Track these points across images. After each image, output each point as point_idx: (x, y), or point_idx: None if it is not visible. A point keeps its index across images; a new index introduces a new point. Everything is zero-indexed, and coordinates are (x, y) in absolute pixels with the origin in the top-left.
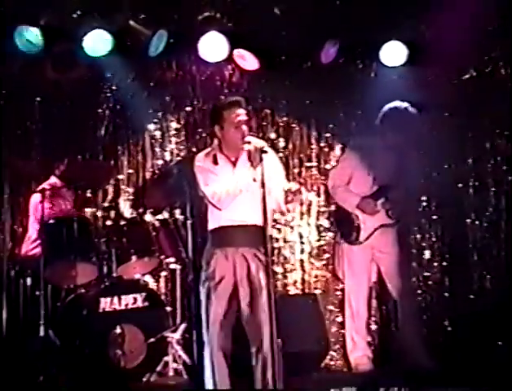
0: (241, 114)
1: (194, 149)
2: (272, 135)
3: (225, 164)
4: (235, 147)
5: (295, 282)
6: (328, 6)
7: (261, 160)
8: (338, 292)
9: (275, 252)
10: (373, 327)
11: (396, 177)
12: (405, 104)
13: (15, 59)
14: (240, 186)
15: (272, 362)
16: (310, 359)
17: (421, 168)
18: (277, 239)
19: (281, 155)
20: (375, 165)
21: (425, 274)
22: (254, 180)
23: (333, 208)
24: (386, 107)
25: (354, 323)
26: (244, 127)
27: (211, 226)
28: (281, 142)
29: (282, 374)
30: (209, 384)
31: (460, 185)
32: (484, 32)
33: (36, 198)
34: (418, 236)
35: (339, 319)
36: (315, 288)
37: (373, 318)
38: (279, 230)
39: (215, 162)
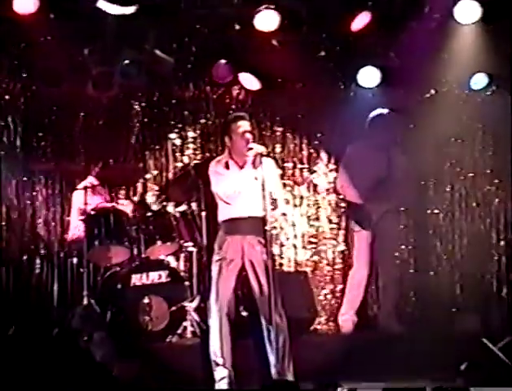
0: (245, 125)
1: (208, 154)
2: (271, 143)
3: (234, 167)
4: (241, 153)
5: (289, 261)
6: (316, 40)
7: (261, 162)
8: (327, 271)
9: (274, 237)
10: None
11: (387, 170)
12: (386, 110)
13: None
14: (245, 185)
15: (277, 326)
16: (301, 324)
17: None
18: (275, 227)
19: (278, 158)
20: (369, 163)
21: (395, 254)
22: (256, 179)
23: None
24: (372, 113)
25: (350, 295)
26: (248, 135)
27: (222, 217)
28: (278, 148)
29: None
30: (214, 342)
31: (422, 182)
32: (441, 60)
33: (78, 194)
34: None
35: (325, 292)
36: (306, 266)
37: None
38: (276, 220)
39: (227, 167)
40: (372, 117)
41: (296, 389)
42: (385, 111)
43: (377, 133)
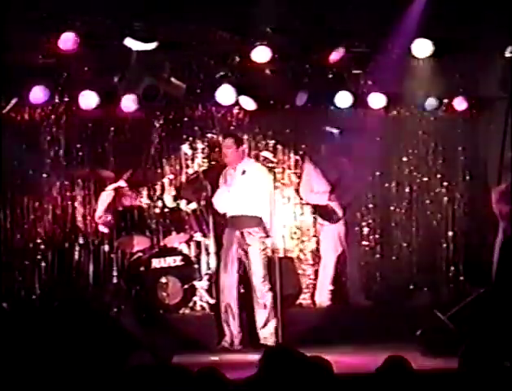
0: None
1: (213, 162)
2: (266, 153)
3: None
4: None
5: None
6: (300, 70)
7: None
8: (310, 257)
9: (267, 230)
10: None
11: (343, 178)
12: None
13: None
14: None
15: (273, 299)
16: (288, 299)
17: (362, 172)
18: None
19: (271, 165)
20: (339, 171)
21: (364, 243)
22: (244, 172)
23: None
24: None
25: (324, 275)
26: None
27: (228, 211)
28: (272, 158)
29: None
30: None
31: (386, 184)
32: (401, 86)
33: (108, 194)
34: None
35: (308, 273)
36: (292, 253)
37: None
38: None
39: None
40: (347, 133)
41: (292, 355)
42: (355, 127)
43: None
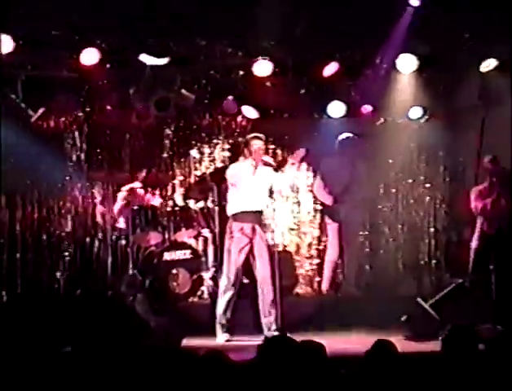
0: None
1: (218, 166)
2: (266, 157)
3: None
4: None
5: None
6: (298, 82)
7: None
8: (306, 251)
9: (268, 226)
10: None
11: (349, 179)
12: (351, 134)
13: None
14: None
15: (273, 289)
16: (286, 289)
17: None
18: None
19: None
20: (336, 174)
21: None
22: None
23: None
24: (341, 136)
25: (329, 265)
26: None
27: (233, 211)
28: (272, 162)
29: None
30: (222, 300)
31: (374, 186)
32: (389, 98)
33: (123, 194)
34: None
35: (305, 266)
36: (290, 247)
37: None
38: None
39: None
40: (341, 139)
41: (291, 343)
42: (350, 135)
43: (343, 150)
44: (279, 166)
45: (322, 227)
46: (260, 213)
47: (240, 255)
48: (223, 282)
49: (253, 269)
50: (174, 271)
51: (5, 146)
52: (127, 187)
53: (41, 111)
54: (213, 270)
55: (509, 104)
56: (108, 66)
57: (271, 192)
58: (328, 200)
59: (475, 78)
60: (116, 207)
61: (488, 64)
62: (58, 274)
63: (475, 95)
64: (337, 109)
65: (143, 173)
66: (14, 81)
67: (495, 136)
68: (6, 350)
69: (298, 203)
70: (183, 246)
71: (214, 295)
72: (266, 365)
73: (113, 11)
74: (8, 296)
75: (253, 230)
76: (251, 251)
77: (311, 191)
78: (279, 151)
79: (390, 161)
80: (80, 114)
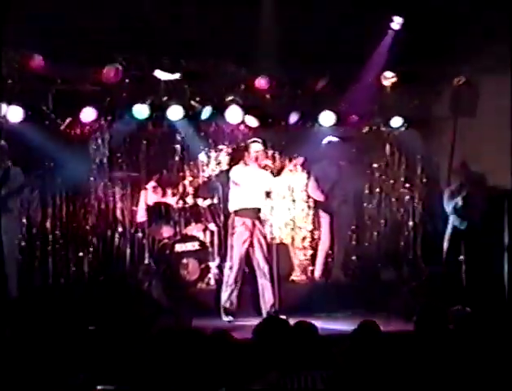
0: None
1: (223, 168)
2: (266, 161)
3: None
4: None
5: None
6: (293, 95)
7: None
8: (300, 243)
9: (267, 221)
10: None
11: (338, 177)
12: (335, 138)
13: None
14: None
15: (271, 276)
16: (283, 276)
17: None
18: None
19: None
20: (325, 175)
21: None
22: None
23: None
24: (325, 139)
25: (322, 254)
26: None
27: (236, 207)
28: (271, 164)
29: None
30: (226, 287)
31: (360, 186)
32: (373, 108)
33: (144, 192)
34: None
35: (302, 256)
36: (286, 240)
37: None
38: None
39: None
40: (326, 142)
41: (285, 324)
42: (334, 138)
43: (329, 152)
44: (277, 170)
45: (315, 222)
46: (259, 209)
47: (242, 246)
48: (227, 270)
49: (253, 259)
50: (185, 261)
51: (38, 151)
52: (145, 187)
53: (68, 120)
54: (218, 259)
55: (475, 114)
56: (127, 81)
57: (268, 192)
58: (321, 198)
59: (447, 92)
60: (141, 205)
61: (458, 80)
62: (84, 262)
63: (447, 107)
64: (327, 118)
65: (158, 175)
66: (45, 94)
67: (465, 142)
68: (40, 327)
69: (294, 201)
70: (193, 238)
71: (219, 282)
72: (263, 343)
73: (132, 33)
74: (41, 282)
75: (253, 224)
76: (251, 243)
77: (306, 190)
78: (277, 155)
79: (375, 165)
80: (102, 123)
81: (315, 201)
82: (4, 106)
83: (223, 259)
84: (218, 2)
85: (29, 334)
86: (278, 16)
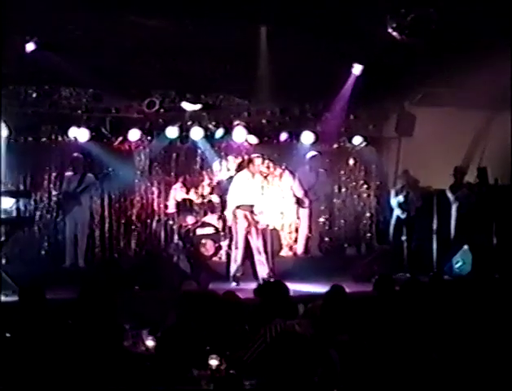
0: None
1: (232, 174)
2: (262, 168)
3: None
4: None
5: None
6: (282, 121)
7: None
8: (288, 227)
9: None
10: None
11: (315, 180)
12: (316, 153)
13: None
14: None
15: (265, 253)
16: (274, 252)
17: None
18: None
19: (266, 175)
20: (306, 178)
21: (320, 220)
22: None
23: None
24: (309, 154)
25: (301, 236)
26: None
27: (238, 203)
28: (266, 171)
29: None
30: (233, 262)
31: (331, 187)
32: (340, 130)
33: (173, 191)
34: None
35: (288, 238)
36: (277, 226)
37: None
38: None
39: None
40: (310, 156)
41: (281, 286)
42: (315, 153)
43: (311, 162)
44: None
45: (298, 213)
46: (253, 205)
47: (244, 232)
48: (234, 250)
49: (251, 241)
50: (203, 241)
51: (99, 161)
52: (174, 186)
53: (120, 139)
54: (228, 240)
55: (412, 134)
56: (161, 110)
57: (264, 191)
58: (301, 195)
59: (393, 119)
60: (171, 201)
61: (402, 111)
62: (131, 242)
63: (393, 130)
64: (308, 137)
65: (183, 177)
66: (104, 120)
67: (406, 156)
68: (103, 288)
69: (283, 197)
70: (209, 225)
71: (228, 257)
72: (260, 301)
73: (165, 76)
74: (101, 256)
75: (252, 215)
76: (250, 229)
77: (291, 189)
78: (271, 165)
79: (342, 172)
80: (144, 141)
81: (298, 198)
82: (75, 129)
83: (231, 240)
84: (227, 57)
85: (97, 294)
86: (272, 63)
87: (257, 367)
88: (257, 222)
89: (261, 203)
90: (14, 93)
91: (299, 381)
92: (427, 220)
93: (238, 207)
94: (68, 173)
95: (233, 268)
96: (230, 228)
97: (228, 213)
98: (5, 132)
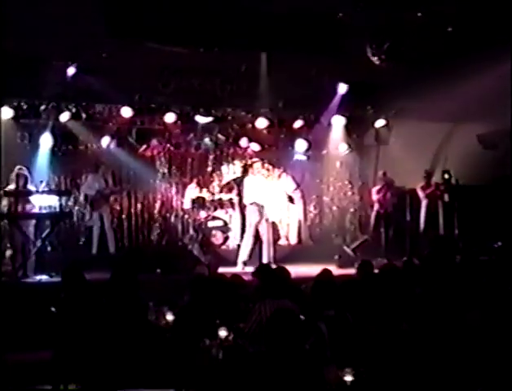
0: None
1: (238, 176)
2: (263, 171)
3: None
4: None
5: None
6: (280, 131)
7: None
8: (285, 221)
9: (265, 209)
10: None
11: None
12: (304, 157)
13: None
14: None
15: (268, 243)
16: (274, 240)
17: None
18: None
19: (266, 176)
20: (298, 178)
21: (311, 214)
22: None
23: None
24: (295, 157)
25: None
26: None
27: (249, 201)
28: (266, 173)
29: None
30: (243, 249)
31: (321, 186)
32: (329, 139)
33: (189, 189)
34: (313, 204)
35: (284, 229)
36: (275, 220)
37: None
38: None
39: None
40: (295, 159)
41: (270, 269)
42: (303, 157)
43: (298, 165)
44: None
45: (292, 208)
46: (262, 201)
47: (254, 224)
48: (246, 238)
49: (259, 231)
50: (214, 232)
51: (125, 167)
52: (191, 186)
53: (144, 146)
54: (236, 230)
55: (388, 143)
56: (178, 122)
57: (265, 190)
58: (293, 192)
59: (373, 130)
60: (187, 198)
61: (380, 123)
62: (153, 233)
63: (373, 139)
64: (301, 145)
65: (197, 178)
66: (131, 130)
67: (384, 160)
68: (126, 272)
69: (280, 194)
70: (219, 219)
71: (234, 246)
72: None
73: (181, 94)
74: (128, 244)
75: (260, 210)
76: (259, 222)
77: (286, 187)
78: (270, 168)
79: (330, 173)
80: (164, 148)
81: (289, 195)
82: (107, 138)
83: (243, 231)
84: (234, 77)
85: (125, 277)
86: (271, 82)
87: (257, 337)
88: (265, 216)
89: (265, 200)
90: (57, 109)
91: (294, 348)
92: (401, 214)
93: (251, 203)
94: (98, 175)
95: (244, 252)
96: (244, 220)
97: (234, 210)
98: (50, 141)
